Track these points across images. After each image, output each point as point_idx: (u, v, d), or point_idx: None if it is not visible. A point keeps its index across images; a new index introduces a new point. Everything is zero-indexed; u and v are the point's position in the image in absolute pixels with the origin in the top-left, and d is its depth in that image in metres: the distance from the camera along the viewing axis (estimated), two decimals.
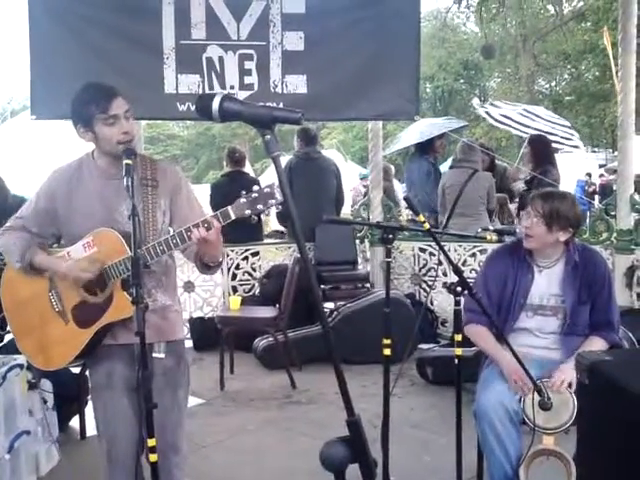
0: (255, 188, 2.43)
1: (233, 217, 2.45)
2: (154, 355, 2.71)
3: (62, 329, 2.76)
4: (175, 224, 2.78)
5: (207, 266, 2.76)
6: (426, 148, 7.85)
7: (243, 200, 2.42)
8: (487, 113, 9.57)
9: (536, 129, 8.36)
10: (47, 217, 2.79)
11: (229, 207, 2.45)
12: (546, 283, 3.38)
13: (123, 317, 2.65)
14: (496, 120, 9.28)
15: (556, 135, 8.74)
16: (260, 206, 2.41)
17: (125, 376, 2.76)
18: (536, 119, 8.88)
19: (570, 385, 3.08)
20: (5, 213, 4.37)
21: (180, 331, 2.95)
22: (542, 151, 6.83)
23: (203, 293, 7.00)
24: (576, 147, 9.28)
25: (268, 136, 1.62)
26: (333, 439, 1.62)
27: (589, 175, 20.74)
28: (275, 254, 7.58)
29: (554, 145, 7.97)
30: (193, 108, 5.75)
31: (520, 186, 6.93)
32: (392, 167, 10.93)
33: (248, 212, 2.42)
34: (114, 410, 2.77)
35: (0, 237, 2.86)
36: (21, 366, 3.79)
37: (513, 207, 7.88)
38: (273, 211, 2.83)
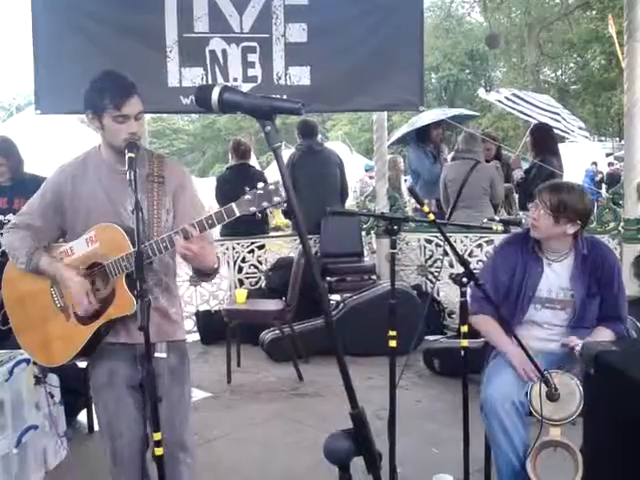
0: (260, 185, 2.40)
1: (238, 214, 2.42)
2: (156, 355, 2.66)
3: (63, 325, 2.75)
4: (177, 224, 2.72)
5: (201, 273, 2.75)
6: (423, 138, 7.82)
7: (248, 197, 2.40)
8: (499, 101, 9.38)
9: (549, 112, 8.26)
10: (54, 211, 2.77)
11: (233, 204, 2.42)
12: (555, 277, 3.35)
13: (125, 313, 2.62)
14: (504, 104, 9.13)
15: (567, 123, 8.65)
16: (265, 203, 2.39)
17: (127, 375, 2.74)
18: (520, 102, 8.71)
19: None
20: (20, 187, 4.49)
21: (181, 331, 2.93)
22: (542, 140, 6.79)
23: (209, 286, 7.00)
24: (566, 132, 9.13)
25: (268, 127, 1.60)
26: (336, 432, 1.61)
27: (595, 164, 20.69)
28: (281, 247, 7.58)
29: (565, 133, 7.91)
30: None
31: (519, 174, 6.90)
32: (401, 159, 10.92)
33: (253, 209, 2.40)
34: (118, 409, 2.75)
35: (6, 235, 2.85)
36: (27, 361, 3.79)
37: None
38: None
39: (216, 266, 2.73)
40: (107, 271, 2.63)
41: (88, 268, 2.69)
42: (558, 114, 8.51)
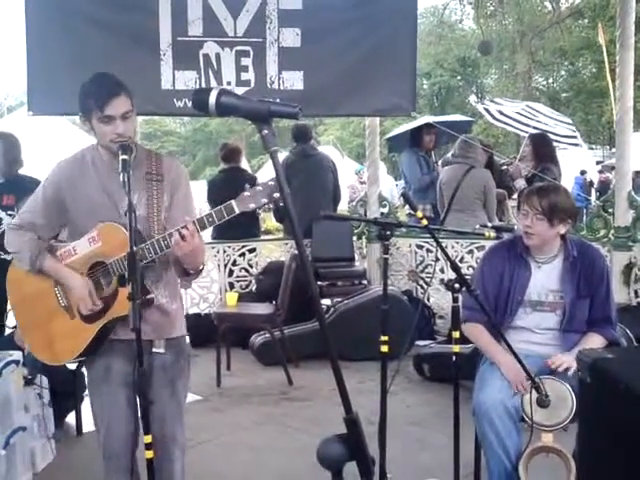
0: (259, 181, 2.43)
1: (237, 211, 2.44)
2: (154, 350, 2.71)
3: (68, 324, 2.75)
4: (168, 221, 2.73)
5: (187, 273, 2.72)
6: (416, 142, 7.85)
7: (247, 194, 2.42)
8: (486, 110, 9.54)
9: (536, 127, 8.35)
10: (55, 208, 2.76)
11: (233, 201, 2.44)
12: (544, 279, 3.36)
13: (128, 312, 2.61)
14: (494, 118, 9.26)
15: (557, 134, 8.74)
16: (264, 199, 2.41)
17: (123, 371, 2.75)
18: (538, 115, 8.88)
19: (567, 370, 3.08)
20: (12, 185, 4.49)
21: (180, 327, 2.92)
22: (543, 149, 6.79)
23: (200, 289, 6.97)
24: (575, 145, 9.25)
25: (266, 131, 1.60)
26: (330, 436, 1.60)
27: (583, 172, 20.80)
28: (272, 250, 7.57)
29: (555, 143, 7.96)
30: (190, 104, 5.74)
31: (522, 183, 6.89)
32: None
33: (252, 206, 2.42)
34: (110, 404, 2.77)
35: (9, 234, 2.82)
36: (17, 362, 3.78)
37: (512, 204, 7.86)
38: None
39: (202, 267, 2.74)
40: (110, 270, 2.64)
41: (91, 267, 2.70)
42: (539, 126, 8.64)
